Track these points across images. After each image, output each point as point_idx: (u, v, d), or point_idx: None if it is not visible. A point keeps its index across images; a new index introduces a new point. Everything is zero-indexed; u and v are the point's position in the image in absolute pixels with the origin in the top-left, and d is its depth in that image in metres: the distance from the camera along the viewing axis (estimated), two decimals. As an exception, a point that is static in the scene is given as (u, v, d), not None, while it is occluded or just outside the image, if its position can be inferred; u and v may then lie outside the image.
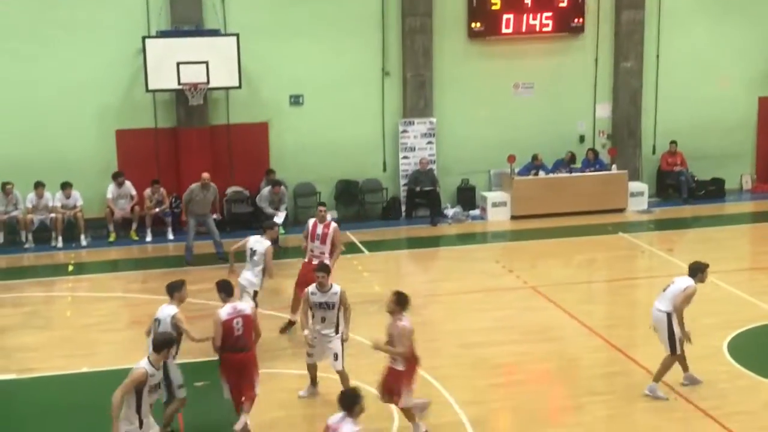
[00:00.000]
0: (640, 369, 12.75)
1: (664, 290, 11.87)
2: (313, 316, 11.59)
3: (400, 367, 10.69)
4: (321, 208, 14.62)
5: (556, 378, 12.84)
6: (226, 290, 10.97)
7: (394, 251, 20.09)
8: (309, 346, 11.67)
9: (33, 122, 20.22)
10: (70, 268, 18.41)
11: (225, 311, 10.69)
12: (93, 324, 15.16)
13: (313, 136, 21.58)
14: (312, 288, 11.55)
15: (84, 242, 19.89)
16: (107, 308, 16.06)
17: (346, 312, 11.63)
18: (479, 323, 14.79)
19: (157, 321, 10.62)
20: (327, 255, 14.17)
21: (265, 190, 19.33)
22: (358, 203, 22.06)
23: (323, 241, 14.27)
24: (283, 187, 19.49)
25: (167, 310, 10.62)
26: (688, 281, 11.77)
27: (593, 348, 13.67)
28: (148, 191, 20.26)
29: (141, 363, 9.08)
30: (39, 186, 19.85)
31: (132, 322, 15.18)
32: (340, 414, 8.22)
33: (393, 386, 10.72)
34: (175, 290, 10.78)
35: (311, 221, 14.52)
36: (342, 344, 11.58)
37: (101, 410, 11.86)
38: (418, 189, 21.72)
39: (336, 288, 11.52)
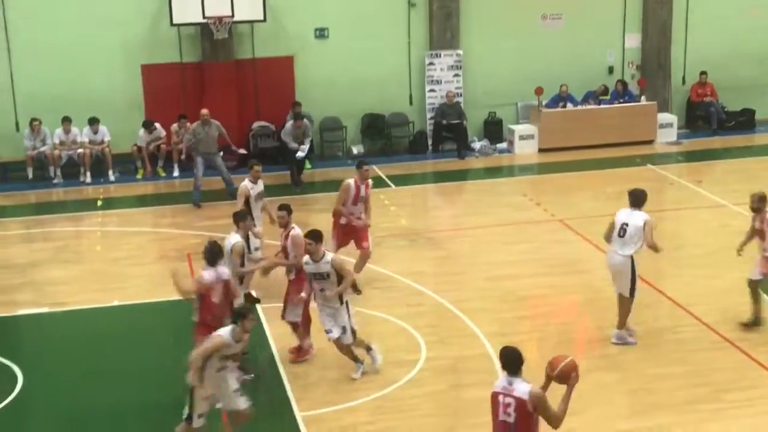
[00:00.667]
0: (667, 300, 12.75)
1: (622, 235, 11.23)
2: (312, 289, 10.75)
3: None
4: (366, 167, 13.38)
5: (582, 310, 12.87)
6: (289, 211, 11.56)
7: (421, 185, 20.08)
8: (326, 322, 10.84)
9: (59, 58, 20.18)
10: (99, 203, 18.54)
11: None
12: (122, 258, 15.31)
13: (339, 70, 21.43)
14: (306, 258, 10.67)
15: (112, 177, 20.00)
16: (136, 242, 16.20)
17: (345, 281, 10.58)
18: (506, 256, 14.80)
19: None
20: (363, 214, 13.45)
21: (288, 125, 19.25)
22: (384, 137, 21.97)
23: (366, 202, 13.41)
24: (305, 121, 19.38)
25: (231, 239, 10.91)
26: (642, 216, 11.23)
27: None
28: (174, 126, 20.26)
29: (223, 331, 8.63)
30: (66, 121, 19.92)
31: (161, 257, 15.34)
32: (503, 378, 7.38)
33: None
34: (240, 219, 11.08)
35: (351, 183, 13.19)
36: (349, 315, 10.67)
37: (133, 342, 12.10)
38: (444, 122, 21.59)
39: (328, 257, 10.57)
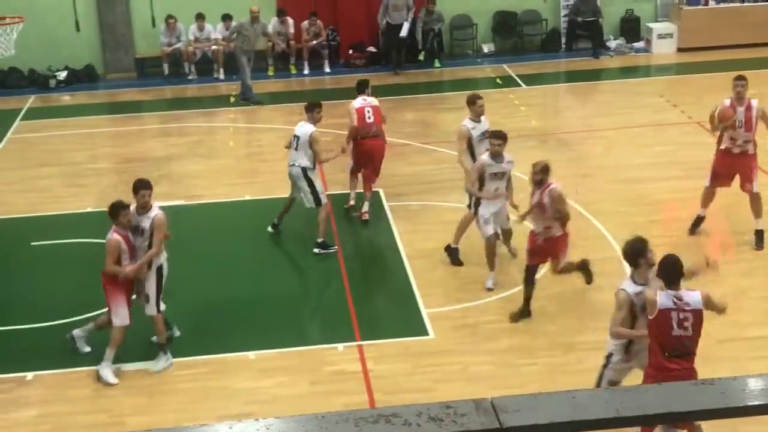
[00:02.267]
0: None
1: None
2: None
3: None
4: (738, 81, 11.06)
5: (718, 215, 12.44)
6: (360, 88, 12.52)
7: (553, 85, 19.62)
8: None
9: (193, -46, 20.39)
10: (232, 99, 18.82)
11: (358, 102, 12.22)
12: (254, 154, 15.61)
13: (472, -34, 20.97)
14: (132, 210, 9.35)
15: (245, 74, 20.22)
16: (267, 139, 16.44)
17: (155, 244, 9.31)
18: (639, 159, 14.41)
19: (297, 138, 11.57)
20: (750, 144, 11.19)
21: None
22: (516, 35, 21.48)
23: (749, 127, 11.00)
24: None
25: (306, 128, 11.49)
26: None
27: (761, 185, 13.12)
28: (305, 24, 20.27)
29: (625, 283, 7.60)
30: (200, 18, 20.18)
31: (291, 153, 15.53)
32: (665, 293, 7.09)
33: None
34: (310, 110, 11.70)
35: (726, 103, 11.20)
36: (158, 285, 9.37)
37: (261, 234, 12.38)
38: (579, 20, 20.93)
39: (153, 212, 9.37)
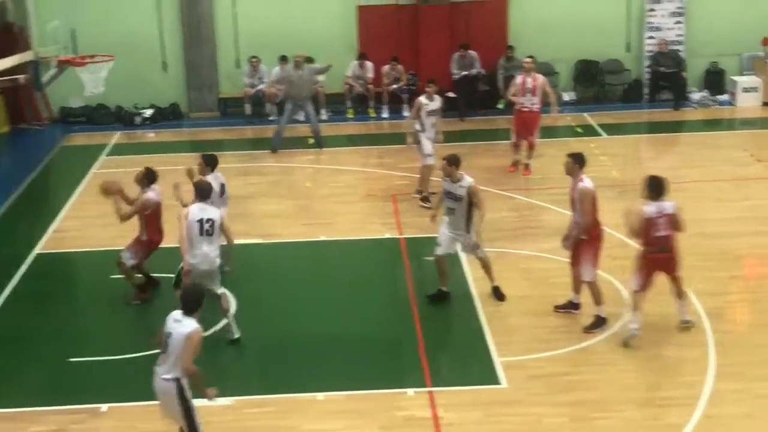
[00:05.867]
0: None
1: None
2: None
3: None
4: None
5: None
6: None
7: (634, 135, 19.40)
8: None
9: (279, -1, 20.81)
10: (311, 141, 18.98)
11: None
12: (331, 195, 15.68)
13: (555, 14, 20.92)
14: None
15: (324, 116, 20.41)
16: (345, 181, 16.53)
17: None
18: (722, 213, 14.12)
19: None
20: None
21: (455, 54, 20.09)
22: (597, 84, 21.35)
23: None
24: (470, 51, 20.05)
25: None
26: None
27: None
28: (386, 68, 20.44)
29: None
30: (283, 60, 20.46)
31: (368, 195, 15.59)
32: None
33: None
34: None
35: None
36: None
37: (336, 276, 12.41)
38: (662, 70, 20.71)
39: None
